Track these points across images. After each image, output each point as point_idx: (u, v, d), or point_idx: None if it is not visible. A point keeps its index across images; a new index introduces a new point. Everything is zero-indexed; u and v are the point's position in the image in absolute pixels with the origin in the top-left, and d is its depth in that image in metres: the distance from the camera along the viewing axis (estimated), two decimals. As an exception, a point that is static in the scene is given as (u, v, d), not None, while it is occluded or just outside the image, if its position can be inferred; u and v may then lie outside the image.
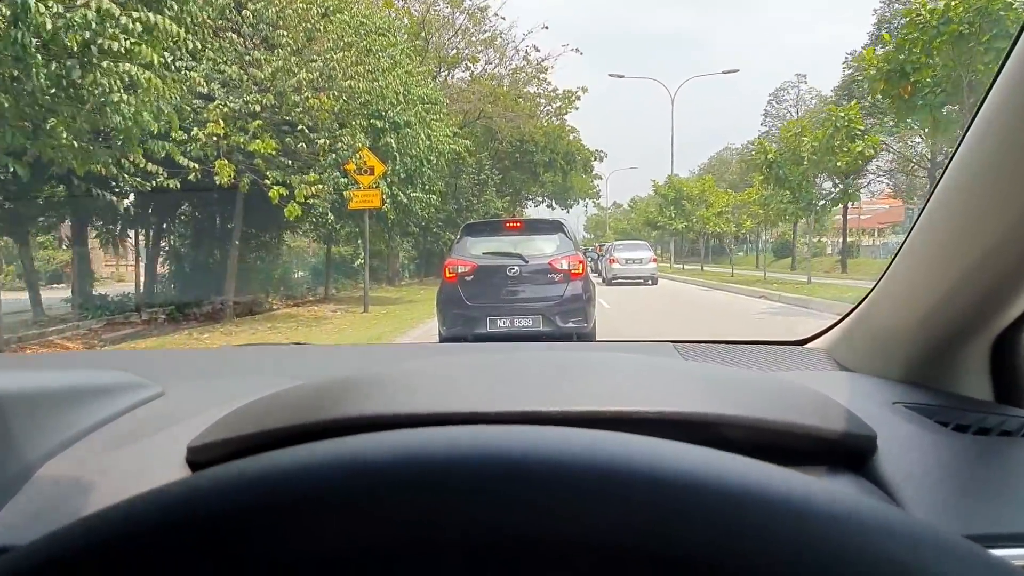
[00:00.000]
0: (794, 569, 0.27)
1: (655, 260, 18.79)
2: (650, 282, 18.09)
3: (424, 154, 14.26)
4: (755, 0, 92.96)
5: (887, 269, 0.93)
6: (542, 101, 26.05)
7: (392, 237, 15.68)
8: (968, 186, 0.71)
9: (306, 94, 9.39)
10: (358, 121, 10.58)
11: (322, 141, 9.63)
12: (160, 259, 17.66)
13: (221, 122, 8.54)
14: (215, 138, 8.87)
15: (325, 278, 17.20)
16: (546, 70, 24.31)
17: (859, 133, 14.19)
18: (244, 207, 11.56)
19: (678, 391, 0.66)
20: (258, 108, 8.90)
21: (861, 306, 1.06)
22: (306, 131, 9.80)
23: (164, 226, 16.87)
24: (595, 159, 29.46)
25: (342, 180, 10.23)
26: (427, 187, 15.03)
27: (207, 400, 0.82)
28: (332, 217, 12.76)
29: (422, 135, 13.77)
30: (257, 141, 8.85)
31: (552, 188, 31.74)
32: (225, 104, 8.74)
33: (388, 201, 13.64)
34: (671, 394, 0.65)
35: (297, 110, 9.53)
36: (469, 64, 22.46)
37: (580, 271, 6.71)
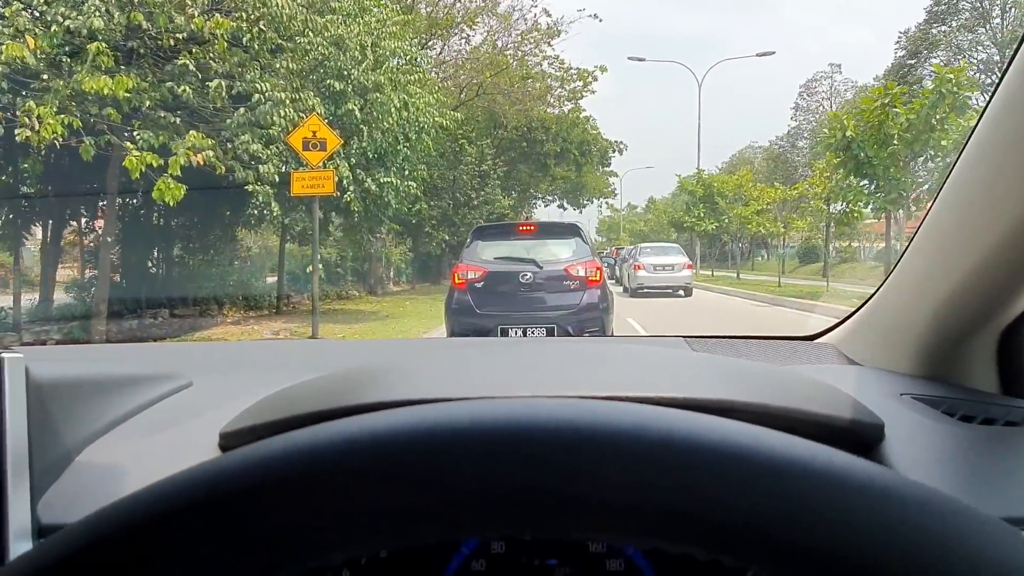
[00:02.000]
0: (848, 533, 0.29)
1: (690, 266, 15.46)
2: (682, 292, 15.00)
3: (399, 128, 10.97)
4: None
5: (896, 264, 0.94)
6: (554, 83, 22.62)
7: (361, 235, 12.38)
8: (975, 182, 0.73)
9: (191, 11, 6.10)
10: (287, 64, 7.29)
11: (215, 84, 6.34)
12: (84, 261, 14.68)
13: (29, 41, 5.25)
14: (41, 75, 5.60)
15: (278, 287, 13.98)
16: (558, 34, 20.85)
17: (968, 103, 10.87)
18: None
19: (689, 379, 0.68)
20: (100, 24, 5.61)
21: (871, 301, 1.07)
22: (195, 72, 6.51)
23: (83, 221, 13.78)
24: (613, 151, 26.02)
25: (254, 146, 6.92)
26: (404, 172, 11.72)
27: (234, 390, 0.83)
28: (277, 208, 9.55)
29: (395, 101, 10.47)
30: (103, 77, 5.55)
31: (564, 185, 28.36)
32: (36, 10, 5.45)
33: (352, 188, 10.40)
34: (682, 382, 0.66)
35: (180, 36, 6.24)
36: (466, 28, 19.13)
37: (597, 278, 6.48)
